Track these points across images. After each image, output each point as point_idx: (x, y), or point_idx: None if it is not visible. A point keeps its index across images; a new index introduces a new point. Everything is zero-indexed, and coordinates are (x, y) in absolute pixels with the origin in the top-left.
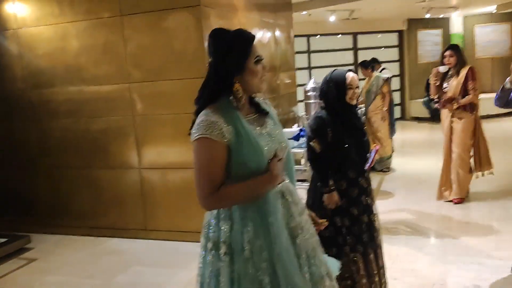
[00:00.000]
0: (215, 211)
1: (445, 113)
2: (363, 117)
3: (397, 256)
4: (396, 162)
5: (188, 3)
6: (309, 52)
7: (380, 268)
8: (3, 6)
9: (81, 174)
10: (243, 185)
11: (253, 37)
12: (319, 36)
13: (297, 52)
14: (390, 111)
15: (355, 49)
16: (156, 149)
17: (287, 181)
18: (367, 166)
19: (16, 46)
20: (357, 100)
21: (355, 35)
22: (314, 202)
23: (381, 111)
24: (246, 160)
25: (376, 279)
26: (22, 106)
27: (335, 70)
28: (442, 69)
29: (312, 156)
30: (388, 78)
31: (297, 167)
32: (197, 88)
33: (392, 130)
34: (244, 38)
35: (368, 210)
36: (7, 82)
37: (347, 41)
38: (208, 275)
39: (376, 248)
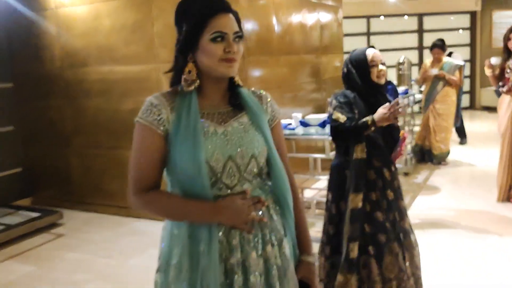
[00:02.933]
0: (165, 222)
1: (505, 101)
2: (416, 105)
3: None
4: (453, 154)
5: None
6: (368, 34)
7: (414, 270)
8: None
9: (111, 154)
10: (178, 201)
11: (221, 6)
12: (382, 17)
13: (354, 34)
14: (458, 100)
15: (421, 31)
16: None
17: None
18: (394, 156)
19: (54, 26)
20: (387, 79)
21: (420, 16)
22: (333, 182)
23: (449, 100)
24: (177, 160)
25: (407, 283)
26: (59, 84)
27: (354, 50)
28: (494, 61)
29: (335, 128)
30: (462, 65)
31: (320, 155)
32: None
33: (456, 121)
34: (203, 5)
35: (392, 207)
36: (47, 61)
37: (412, 23)
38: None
39: (404, 249)
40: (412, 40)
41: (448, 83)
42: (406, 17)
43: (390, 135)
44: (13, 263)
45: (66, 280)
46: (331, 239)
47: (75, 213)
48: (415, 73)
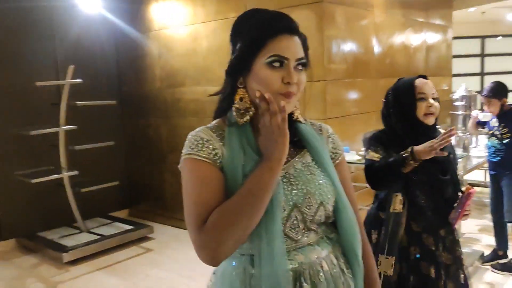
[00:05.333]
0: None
1: None
2: None
3: None
4: None
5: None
6: (482, 55)
7: None
8: (149, 8)
9: None
10: (236, 196)
11: (284, 26)
12: (500, 37)
13: (466, 56)
14: None
15: None
16: None
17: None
18: (453, 221)
19: (156, 47)
20: (437, 119)
21: None
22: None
23: None
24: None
25: None
26: (157, 103)
27: (400, 78)
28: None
29: (369, 168)
30: None
31: None
32: (316, 92)
33: None
34: (259, 23)
35: (428, 285)
36: (148, 81)
37: None
38: None
39: None
40: None
41: None
42: None
43: (438, 192)
44: (101, 274)
45: None
46: None
47: (166, 228)
48: None
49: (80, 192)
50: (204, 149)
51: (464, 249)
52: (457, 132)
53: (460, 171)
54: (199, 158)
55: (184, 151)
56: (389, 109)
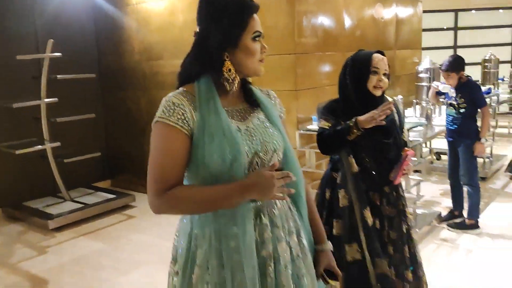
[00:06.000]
0: (179, 222)
1: None
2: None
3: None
4: None
5: None
6: (455, 29)
7: None
8: None
9: None
10: (203, 190)
11: (256, 6)
12: (473, 11)
13: (439, 29)
14: None
15: None
16: None
17: (284, 206)
18: (394, 179)
19: (134, 21)
20: (384, 92)
21: None
22: (323, 203)
23: None
24: (211, 160)
25: None
26: (136, 76)
27: (361, 50)
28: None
29: (319, 136)
30: None
31: None
32: (287, 65)
33: None
34: (243, 5)
35: (390, 243)
36: (126, 55)
37: (506, 17)
38: None
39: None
40: (504, 35)
41: None
42: (501, 11)
43: (383, 155)
44: (86, 239)
45: (129, 259)
46: None
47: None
48: (503, 71)
49: (63, 163)
50: (174, 115)
51: (424, 210)
52: (422, 102)
53: (420, 138)
54: (170, 123)
55: (157, 114)
56: (346, 77)
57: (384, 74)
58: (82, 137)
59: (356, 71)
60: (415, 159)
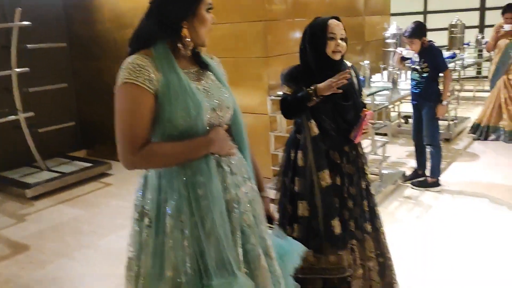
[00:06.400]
0: (142, 178)
1: None
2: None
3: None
4: None
5: None
6: None
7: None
8: None
9: None
10: (173, 145)
11: None
12: None
13: None
14: None
15: None
16: None
17: (238, 156)
18: (353, 138)
19: None
20: (343, 56)
21: None
22: (286, 172)
23: None
24: (176, 116)
25: (359, 271)
26: (108, 45)
27: (317, 17)
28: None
29: (281, 102)
30: None
31: None
32: (257, 32)
33: None
34: None
35: (334, 192)
36: (97, 23)
37: None
38: (135, 248)
39: (348, 240)
40: (473, 1)
41: None
42: None
43: (342, 117)
44: (64, 207)
45: (108, 224)
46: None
47: None
48: (469, 37)
49: (38, 132)
50: (141, 75)
51: (390, 170)
52: (389, 68)
53: (386, 101)
54: (138, 83)
55: (122, 77)
56: (305, 44)
57: (342, 39)
58: (55, 107)
59: (314, 38)
60: (381, 122)
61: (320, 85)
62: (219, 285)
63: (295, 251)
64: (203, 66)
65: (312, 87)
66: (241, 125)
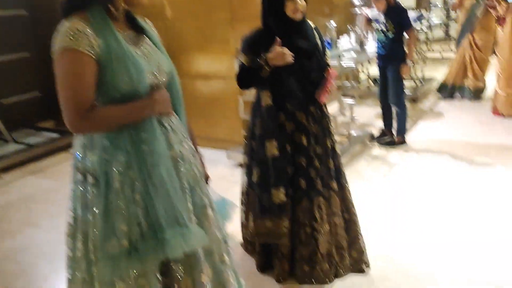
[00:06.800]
0: (82, 139)
1: None
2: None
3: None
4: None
5: None
6: None
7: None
8: None
9: None
10: (119, 107)
11: None
12: None
13: None
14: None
15: None
16: (185, 58)
17: (176, 117)
18: (319, 97)
19: None
20: (303, 14)
21: None
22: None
23: (490, 29)
24: (118, 80)
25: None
26: None
27: None
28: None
29: (238, 73)
30: None
31: None
32: None
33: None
34: None
35: (302, 151)
36: None
37: None
38: (80, 209)
39: (313, 197)
40: None
41: (490, 8)
42: None
43: (306, 77)
44: (34, 178)
45: None
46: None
47: None
48: None
49: (2, 104)
50: (82, 41)
51: (359, 131)
52: (356, 29)
53: (352, 63)
54: (80, 49)
55: (62, 42)
56: (265, 5)
57: None
58: (19, 77)
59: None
60: (348, 84)
61: (270, 55)
62: (173, 236)
63: (227, 206)
64: (139, 30)
65: (263, 57)
66: (178, 88)
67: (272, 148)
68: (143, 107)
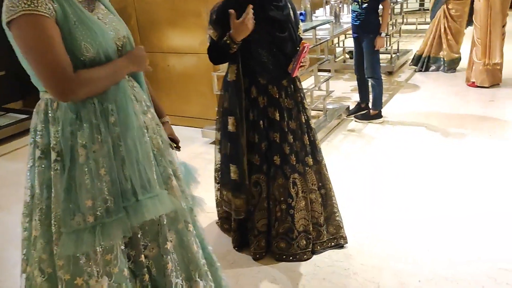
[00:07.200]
0: (44, 114)
1: None
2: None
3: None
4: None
5: None
6: None
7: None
8: None
9: None
10: (103, 67)
11: None
12: None
13: None
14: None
15: None
16: (156, 33)
17: (136, 85)
18: (291, 71)
19: None
20: None
21: None
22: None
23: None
24: (80, 47)
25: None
26: None
27: None
28: None
29: (208, 49)
30: None
31: None
32: None
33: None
34: None
35: (275, 127)
36: None
37: None
38: (39, 186)
39: (288, 174)
40: None
41: None
42: None
43: (279, 48)
44: (1, 160)
45: None
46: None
47: None
48: None
49: None
50: (40, 5)
51: (335, 105)
52: (331, 1)
53: (327, 35)
54: (41, 13)
55: (17, 8)
56: None
57: None
58: None
59: None
60: (323, 56)
61: (233, 32)
62: (149, 198)
63: (192, 172)
64: None
65: (228, 34)
66: None
67: (230, 123)
68: (126, 65)
